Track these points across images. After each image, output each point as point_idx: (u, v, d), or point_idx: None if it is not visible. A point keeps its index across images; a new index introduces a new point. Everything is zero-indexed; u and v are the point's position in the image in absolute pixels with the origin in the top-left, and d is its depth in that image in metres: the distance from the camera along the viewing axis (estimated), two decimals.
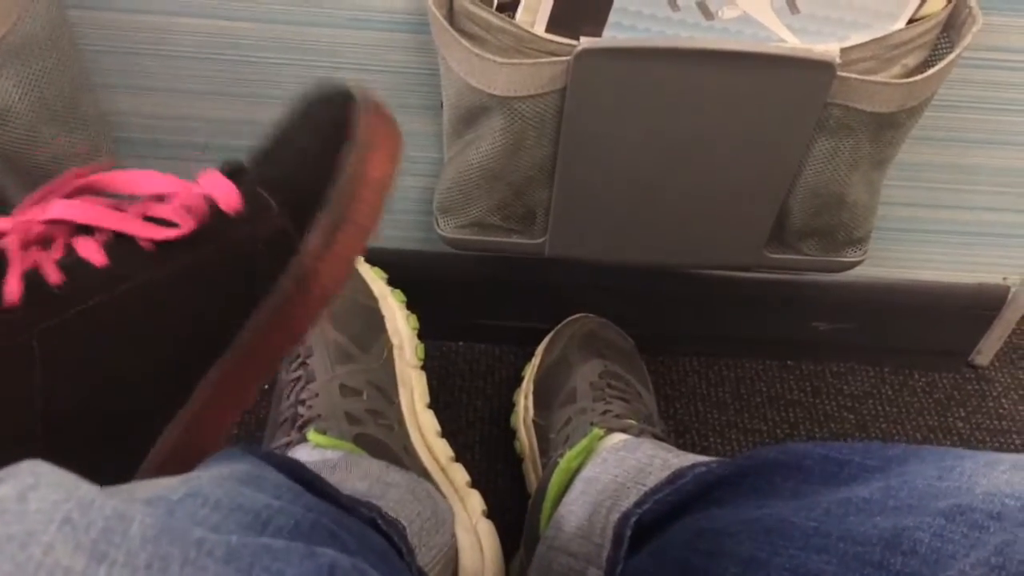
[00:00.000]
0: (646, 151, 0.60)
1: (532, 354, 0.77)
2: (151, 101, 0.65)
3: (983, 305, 0.81)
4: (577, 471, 0.58)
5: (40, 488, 0.24)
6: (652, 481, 0.51)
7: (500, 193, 0.63)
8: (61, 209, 0.41)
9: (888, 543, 0.33)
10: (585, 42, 0.54)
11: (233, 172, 0.45)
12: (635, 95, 0.56)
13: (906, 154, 0.64)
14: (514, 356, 0.82)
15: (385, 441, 0.63)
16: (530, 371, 0.75)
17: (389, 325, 0.69)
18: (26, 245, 0.39)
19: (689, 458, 0.53)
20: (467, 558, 0.61)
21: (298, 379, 0.65)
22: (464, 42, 0.54)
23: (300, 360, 0.66)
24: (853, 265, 0.70)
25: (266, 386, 0.77)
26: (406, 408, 0.66)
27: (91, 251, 0.40)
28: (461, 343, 0.83)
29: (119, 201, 0.42)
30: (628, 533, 0.48)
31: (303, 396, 0.64)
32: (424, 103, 0.64)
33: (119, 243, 0.41)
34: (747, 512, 0.41)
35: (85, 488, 0.25)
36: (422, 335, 0.71)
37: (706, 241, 0.66)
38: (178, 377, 0.41)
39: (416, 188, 0.71)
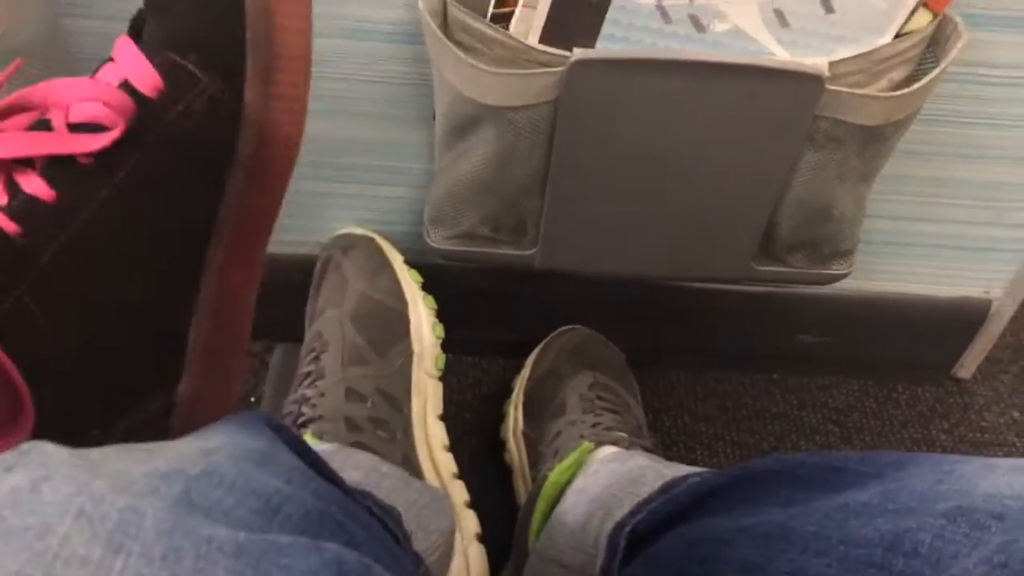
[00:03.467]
0: (637, 162, 0.60)
1: (520, 367, 0.77)
2: None
3: (966, 318, 0.82)
4: (567, 484, 0.58)
5: (53, 479, 0.25)
6: (645, 491, 0.51)
7: (491, 204, 0.63)
8: None
9: (890, 545, 0.33)
10: (578, 53, 0.54)
11: (140, 35, 0.41)
12: (627, 106, 0.57)
13: (891, 167, 0.64)
14: (502, 369, 0.82)
15: (381, 452, 0.62)
16: (520, 382, 0.75)
17: (414, 332, 0.68)
18: None
19: (682, 469, 0.53)
20: None
21: (308, 374, 0.65)
22: (458, 52, 0.54)
23: (315, 355, 0.65)
24: (839, 278, 0.70)
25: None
26: (416, 417, 0.65)
27: (35, 186, 0.37)
28: (449, 355, 0.83)
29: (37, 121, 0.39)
30: (622, 543, 0.48)
31: (308, 393, 0.63)
32: (417, 114, 0.65)
33: (57, 168, 0.38)
34: (743, 520, 0.42)
35: (97, 482, 0.25)
36: (444, 346, 0.70)
37: (695, 253, 0.67)
38: (177, 280, 0.40)
39: (407, 199, 0.71)
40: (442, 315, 0.78)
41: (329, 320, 0.67)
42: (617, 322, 0.79)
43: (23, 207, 0.37)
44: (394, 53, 0.61)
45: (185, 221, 0.41)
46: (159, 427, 0.41)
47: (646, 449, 0.62)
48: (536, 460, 0.68)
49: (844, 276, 0.70)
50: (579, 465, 0.59)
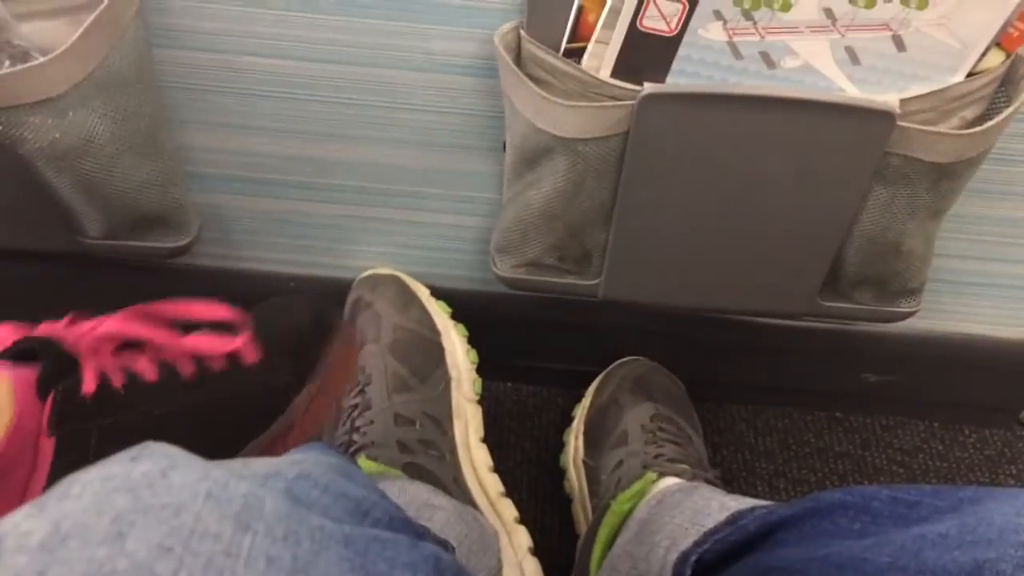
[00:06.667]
0: (705, 196, 0.61)
1: (580, 396, 0.78)
2: (222, 136, 0.67)
3: None
4: (629, 514, 0.58)
5: (178, 468, 0.27)
6: (711, 522, 0.51)
7: (558, 234, 0.64)
8: (117, 324, 0.51)
9: (969, 574, 0.33)
10: (649, 87, 0.55)
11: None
12: (697, 140, 0.57)
13: (961, 206, 0.64)
14: (562, 398, 0.83)
15: (434, 471, 0.64)
16: (580, 411, 0.75)
17: (449, 358, 0.70)
18: (91, 351, 0.49)
19: (747, 501, 0.53)
20: None
21: (355, 406, 0.67)
22: (531, 85, 0.56)
23: (359, 388, 0.68)
24: (906, 316, 0.70)
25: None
26: (460, 440, 0.68)
27: (144, 368, 0.51)
28: (510, 384, 0.84)
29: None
30: (688, 573, 0.48)
31: (358, 423, 0.65)
32: (487, 145, 0.66)
33: (166, 367, 0.54)
34: (814, 551, 0.41)
35: (217, 471, 0.27)
36: (479, 371, 0.72)
37: (761, 287, 0.67)
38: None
39: (474, 228, 0.72)
40: (503, 345, 0.79)
41: (370, 354, 0.70)
42: (678, 354, 0.79)
43: (130, 376, 0.53)
44: (468, 86, 0.62)
45: (220, 454, 0.57)
46: None
47: (708, 482, 0.62)
48: (596, 489, 0.68)
49: (911, 314, 0.69)
50: (642, 495, 0.59)
